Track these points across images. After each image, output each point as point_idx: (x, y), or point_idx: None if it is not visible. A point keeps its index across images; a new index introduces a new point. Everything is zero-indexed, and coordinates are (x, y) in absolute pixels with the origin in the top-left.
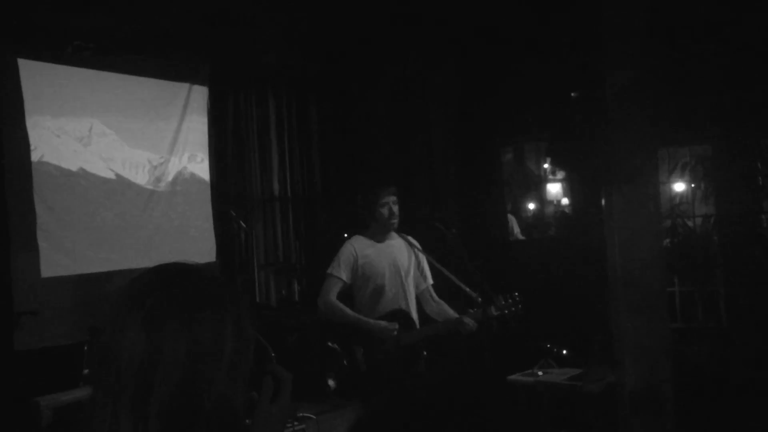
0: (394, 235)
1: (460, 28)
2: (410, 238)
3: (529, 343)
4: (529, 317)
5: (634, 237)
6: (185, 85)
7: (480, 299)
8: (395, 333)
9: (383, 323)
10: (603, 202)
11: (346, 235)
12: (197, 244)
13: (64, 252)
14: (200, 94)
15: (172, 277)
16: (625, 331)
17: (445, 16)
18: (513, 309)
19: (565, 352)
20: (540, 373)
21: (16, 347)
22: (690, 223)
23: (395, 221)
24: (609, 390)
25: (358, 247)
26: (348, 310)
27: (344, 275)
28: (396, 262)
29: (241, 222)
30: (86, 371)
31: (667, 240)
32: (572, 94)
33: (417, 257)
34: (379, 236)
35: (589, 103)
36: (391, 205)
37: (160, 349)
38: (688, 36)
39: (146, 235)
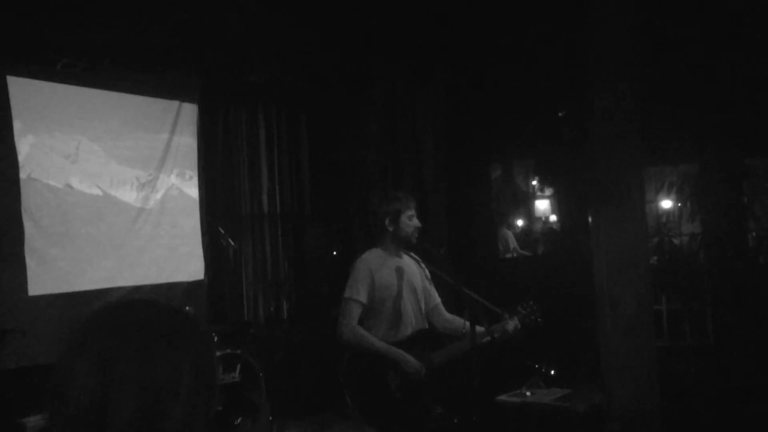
0: (403, 253)
1: (449, 46)
2: (413, 254)
3: (517, 362)
4: (518, 336)
5: (621, 258)
6: (175, 102)
7: (504, 312)
8: (422, 375)
9: (414, 361)
10: (590, 221)
11: (335, 252)
12: (186, 261)
13: (52, 270)
14: (190, 111)
15: (123, 313)
16: (612, 352)
17: (434, 34)
18: (533, 317)
19: (552, 372)
20: (528, 393)
21: (1, 366)
22: (677, 241)
23: (417, 235)
24: (596, 410)
25: (373, 266)
26: (376, 339)
27: (364, 298)
28: (411, 280)
29: (230, 239)
30: None
31: (655, 258)
32: (560, 113)
33: (425, 272)
34: (393, 252)
35: (576, 122)
36: (416, 219)
37: (110, 389)
38: (673, 56)
39: (134, 253)
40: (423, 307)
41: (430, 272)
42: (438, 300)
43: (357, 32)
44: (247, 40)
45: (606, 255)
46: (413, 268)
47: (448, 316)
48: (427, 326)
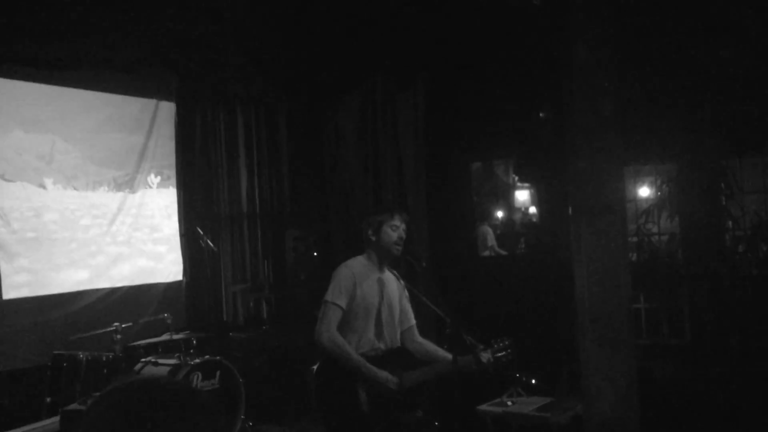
0: (386, 268)
1: (428, 48)
2: (395, 273)
3: (498, 371)
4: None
5: (602, 272)
6: (152, 101)
7: (478, 344)
8: (396, 389)
9: (389, 376)
10: (571, 231)
11: (315, 254)
12: (164, 262)
13: (27, 273)
14: (167, 110)
15: (126, 396)
16: (592, 364)
17: (414, 37)
18: (505, 353)
19: (533, 381)
20: (509, 402)
21: None
22: (655, 240)
23: (400, 247)
24: (577, 421)
25: (357, 273)
26: (353, 352)
27: (344, 303)
28: (390, 297)
29: (208, 240)
30: (49, 399)
31: (633, 254)
32: (540, 114)
33: (404, 291)
34: (377, 264)
35: (556, 123)
36: (401, 230)
37: None
38: (652, 57)
39: (111, 254)
40: (398, 325)
41: (409, 292)
42: (413, 322)
43: (337, 37)
44: (225, 49)
45: (587, 268)
46: (393, 286)
47: (420, 339)
48: (398, 343)
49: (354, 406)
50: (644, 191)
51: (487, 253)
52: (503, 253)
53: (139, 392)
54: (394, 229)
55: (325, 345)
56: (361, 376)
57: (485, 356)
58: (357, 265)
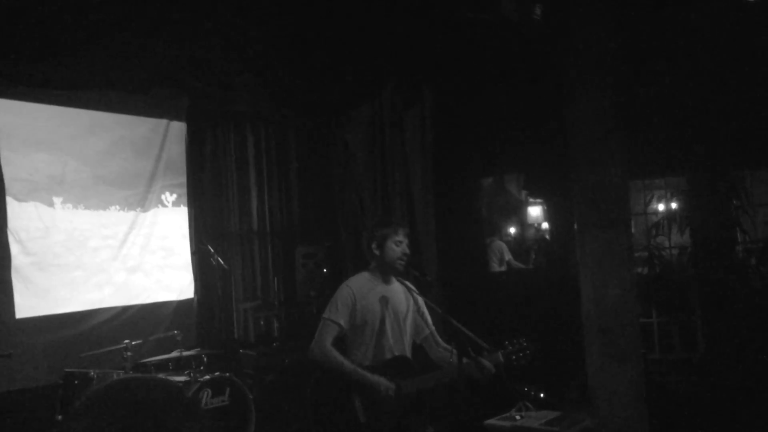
0: (393, 279)
1: (435, 64)
2: (408, 283)
3: (506, 385)
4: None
5: (608, 285)
6: (163, 121)
7: (487, 347)
8: (392, 394)
9: (383, 380)
10: (577, 244)
11: (325, 270)
12: (175, 280)
13: (39, 292)
14: (178, 129)
15: (118, 394)
16: (600, 377)
17: (420, 54)
18: (520, 355)
19: (542, 395)
20: (518, 416)
21: None
22: (666, 254)
23: (404, 261)
24: None
25: (357, 290)
26: (345, 360)
27: (342, 320)
28: (396, 308)
29: (219, 258)
30: (59, 417)
31: (644, 269)
32: (548, 127)
33: (416, 302)
34: (380, 277)
35: (563, 137)
36: (404, 245)
37: None
38: (659, 70)
39: (123, 273)
40: (408, 336)
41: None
42: (430, 330)
43: (344, 54)
44: (234, 69)
45: (593, 285)
46: (401, 296)
47: (441, 346)
48: (407, 354)
49: (350, 416)
50: (655, 205)
51: (503, 267)
52: (521, 266)
53: (128, 389)
54: (398, 244)
55: (317, 357)
56: (356, 383)
57: (488, 362)
58: (359, 281)
